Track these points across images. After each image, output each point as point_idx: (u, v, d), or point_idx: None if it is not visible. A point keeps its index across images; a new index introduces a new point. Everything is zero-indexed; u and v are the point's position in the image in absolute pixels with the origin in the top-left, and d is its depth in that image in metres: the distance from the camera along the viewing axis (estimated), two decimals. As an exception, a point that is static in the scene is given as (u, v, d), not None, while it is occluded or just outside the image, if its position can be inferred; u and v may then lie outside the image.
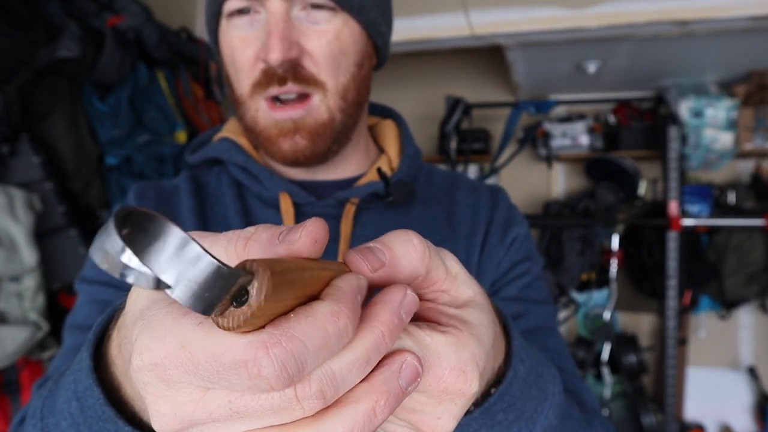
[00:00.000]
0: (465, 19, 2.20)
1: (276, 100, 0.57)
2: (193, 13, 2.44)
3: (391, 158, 0.68)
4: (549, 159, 3.21)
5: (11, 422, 1.49)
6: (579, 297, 3.09)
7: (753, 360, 3.16)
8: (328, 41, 0.56)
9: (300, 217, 0.61)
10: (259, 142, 0.60)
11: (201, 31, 2.43)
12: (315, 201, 0.62)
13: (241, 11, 0.56)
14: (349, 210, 0.61)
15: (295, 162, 0.59)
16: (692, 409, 3.13)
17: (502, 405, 0.36)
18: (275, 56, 0.53)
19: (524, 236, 0.67)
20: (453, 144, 3.09)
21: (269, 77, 0.56)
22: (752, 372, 3.09)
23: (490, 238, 0.65)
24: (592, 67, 2.75)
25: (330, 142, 0.59)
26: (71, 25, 1.61)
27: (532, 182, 3.45)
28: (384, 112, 0.75)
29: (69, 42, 1.58)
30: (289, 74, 0.55)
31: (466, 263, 0.57)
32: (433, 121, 3.28)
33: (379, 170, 0.63)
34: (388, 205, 0.63)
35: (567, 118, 3.19)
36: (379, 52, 0.65)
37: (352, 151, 0.66)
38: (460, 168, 3.11)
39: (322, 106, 0.57)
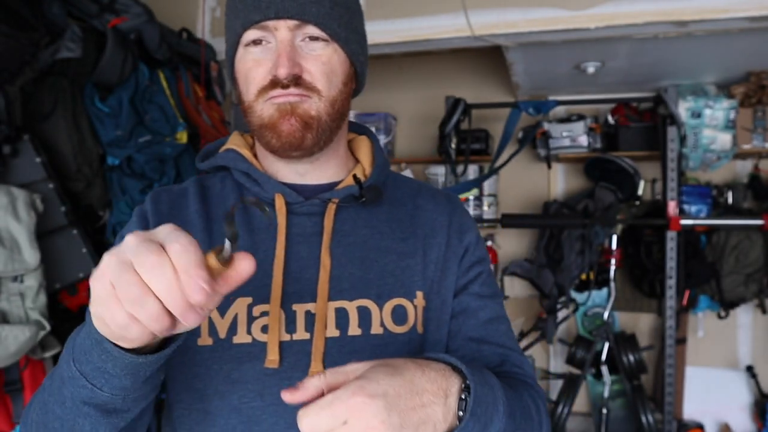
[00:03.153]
0: (465, 20, 2.21)
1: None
2: (194, 14, 2.45)
3: (365, 167, 0.82)
4: (548, 159, 3.21)
5: (13, 421, 1.50)
6: (578, 297, 3.09)
7: (751, 359, 3.17)
8: (323, 63, 0.72)
9: (291, 214, 0.76)
10: (262, 135, 0.73)
11: (202, 31, 2.43)
12: (303, 201, 0.76)
13: (256, 42, 0.72)
14: (331, 208, 0.76)
15: (290, 145, 0.72)
16: (691, 409, 3.14)
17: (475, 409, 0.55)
18: (283, 71, 0.69)
19: (477, 239, 0.84)
20: (453, 144, 3.09)
21: (275, 84, 0.70)
22: (750, 371, 3.11)
23: (452, 239, 0.81)
24: (591, 68, 2.76)
25: (317, 136, 0.72)
26: (73, 26, 1.61)
27: (531, 182, 3.46)
28: (360, 129, 0.90)
29: (70, 43, 1.59)
30: (292, 83, 0.70)
31: (423, 259, 0.78)
32: (433, 121, 3.29)
33: (354, 176, 0.79)
34: (362, 204, 0.78)
35: (566, 119, 3.19)
36: (358, 79, 0.80)
37: (333, 157, 0.81)
38: (460, 168, 3.12)
39: (313, 105, 0.72)
